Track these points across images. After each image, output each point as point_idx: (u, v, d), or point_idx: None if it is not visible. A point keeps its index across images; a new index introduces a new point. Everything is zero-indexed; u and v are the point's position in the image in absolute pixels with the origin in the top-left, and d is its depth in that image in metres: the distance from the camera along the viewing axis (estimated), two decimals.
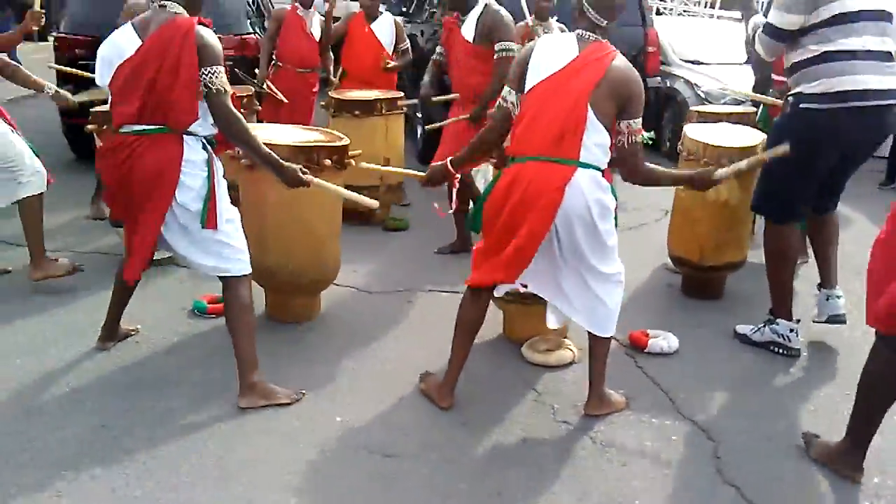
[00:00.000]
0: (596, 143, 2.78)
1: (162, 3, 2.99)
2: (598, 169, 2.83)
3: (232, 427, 2.92)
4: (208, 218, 2.97)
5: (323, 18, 6.19)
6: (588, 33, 2.85)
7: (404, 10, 10.59)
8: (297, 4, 6.21)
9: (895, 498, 2.66)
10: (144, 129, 2.95)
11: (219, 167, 3.10)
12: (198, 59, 2.87)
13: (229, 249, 3.07)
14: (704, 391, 3.34)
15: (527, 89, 2.85)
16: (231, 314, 3.08)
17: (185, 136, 2.97)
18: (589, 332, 3.03)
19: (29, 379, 3.21)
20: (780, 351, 3.66)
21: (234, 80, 5.90)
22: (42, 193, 4.07)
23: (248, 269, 3.12)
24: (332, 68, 6.38)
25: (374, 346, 3.64)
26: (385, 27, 6.05)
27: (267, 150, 3.02)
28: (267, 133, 3.72)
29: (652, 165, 2.94)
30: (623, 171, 2.91)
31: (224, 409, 3.03)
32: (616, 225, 2.97)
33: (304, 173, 3.07)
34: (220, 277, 3.09)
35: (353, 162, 3.69)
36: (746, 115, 4.98)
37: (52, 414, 2.97)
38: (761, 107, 5.09)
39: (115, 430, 2.86)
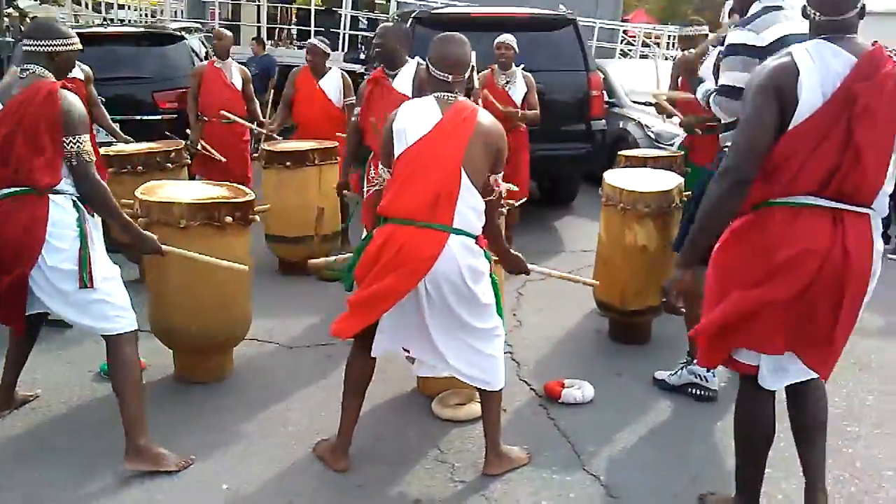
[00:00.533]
0: (469, 206, 2.73)
1: (25, 66, 2.96)
2: (471, 235, 2.77)
3: (110, 499, 2.80)
4: (89, 278, 2.88)
5: (243, 67, 6.30)
6: (445, 94, 2.82)
7: (363, 58, 10.70)
8: (214, 57, 6.27)
9: None
10: (8, 192, 2.89)
11: (94, 224, 3.00)
12: (61, 125, 2.83)
13: (108, 307, 2.96)
14: (613, 443, 3.25)
15: (395, 156, 2.80)
16: (115, 374, 2.99)
17: (52, 195, 2.88)
18: (478, 389, 2.95)
19: None
20: (698, 392, 3.60)
21: (169, 135, 6.05)
22: None
23: (130, 327, 3.00)
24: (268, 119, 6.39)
25: (280, 406, 3.54)
26: (333, 82, 6.06)
27: (127, 219, 3.06)
28: (170, 190, 3.67)
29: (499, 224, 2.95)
30: (485, 228, 2.87)
31: (106, 480, 2.91)
32: (495, 284, 2.91)
33: (163, 243, 3.10)
34: (104, 336, 2.99)
35: (257, 218, 3.64)
36: (674, 158, 4.97)
37: None
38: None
39: None
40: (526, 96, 5.90)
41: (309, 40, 6.67)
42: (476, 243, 2.80)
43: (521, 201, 5.98)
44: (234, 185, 3.92)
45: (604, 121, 7.17)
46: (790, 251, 2.34)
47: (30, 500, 2.79)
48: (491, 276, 2.88)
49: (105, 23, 12.07)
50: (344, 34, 12.30)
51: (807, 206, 2.35)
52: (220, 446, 3.18)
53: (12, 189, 2.89)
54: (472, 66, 3.01)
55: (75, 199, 2.96)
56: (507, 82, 5.84)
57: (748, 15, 3.12)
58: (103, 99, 6.62)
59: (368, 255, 2.78)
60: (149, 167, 4.96)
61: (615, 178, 4.20)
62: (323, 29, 12.85)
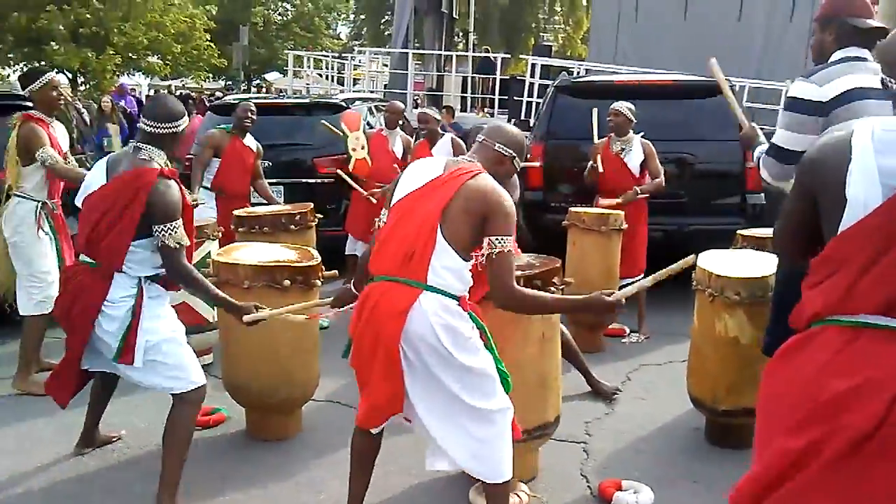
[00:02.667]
0: (445, 265, 2.58)
1: (138, 144, 3.18)
2: (450, 295, 2.62)
3: None
4: (123, 352, 3.06)
5: (407, 137, 6.70)
6: (464, 157, 2.76)
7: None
8: (383, 126, 6.74)
9: None
10: (88, 262, 3.16)
11: (155, 296, 3.16)
12: (150, 214, 3.01)
13: (163, 367, 3.12)
14: None
15: (390, 207, 2.76)
16: (166, 430, 3.13)
17: (116, 273, 3.09)
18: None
19: (4, 479, 3.45)
20: None
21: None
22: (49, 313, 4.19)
23: (189, 387, 3.13)
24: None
25: (321, 473, 3.54)
26: (444, 147, 6.24)
27: (222, 295, 3.22)
28: (243, 252, 3.87)
29: (531, 291, 2.71)
30: (492, 294, 2.66)
31: None
32: (493, 354, 2.70)
33: (258, 309, 3.18)
34: (171, 394, 3.16)
35: (318, 282, 3.72)
36: None
37: None
38: None
39: None
40: (645, 164, 5.61)
41: (419, 109, 6.94)
42: (458, 305, 2.64)
43: (635, 279, 5.62)
44: (307, 248, 4.04)
45: (762, 195, 6.57)
46: (841, 385, 1.76)
47: None
48: (489, 347, 2.70)
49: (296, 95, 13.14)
50: (528, 102, 12.46)
51: (871, 326, 1.79)
52: None
53: (88, 259, 3.17)
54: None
55: (145, 278, 3.14)
56: (623, 149, 5.59)
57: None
58: (269, 163, 7.28)
59: (354, 314, 2.74)
60: (275, 228, 5.27)
61: (708, 260, 3.81)
62: (507, 97, 13.23)
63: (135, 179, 3.05)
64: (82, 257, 3.20)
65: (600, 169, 5.57)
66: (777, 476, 1.84)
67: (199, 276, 3.14)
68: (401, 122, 7.03)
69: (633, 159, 5.60)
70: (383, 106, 8.90)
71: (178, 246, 3.04)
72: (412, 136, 7.56)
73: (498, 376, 2.71)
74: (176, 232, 3.03)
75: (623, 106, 5.54)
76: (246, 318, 3.15)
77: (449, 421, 2.68)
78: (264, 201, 6.25)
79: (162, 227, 3.01)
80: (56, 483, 3.42)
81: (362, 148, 6.58)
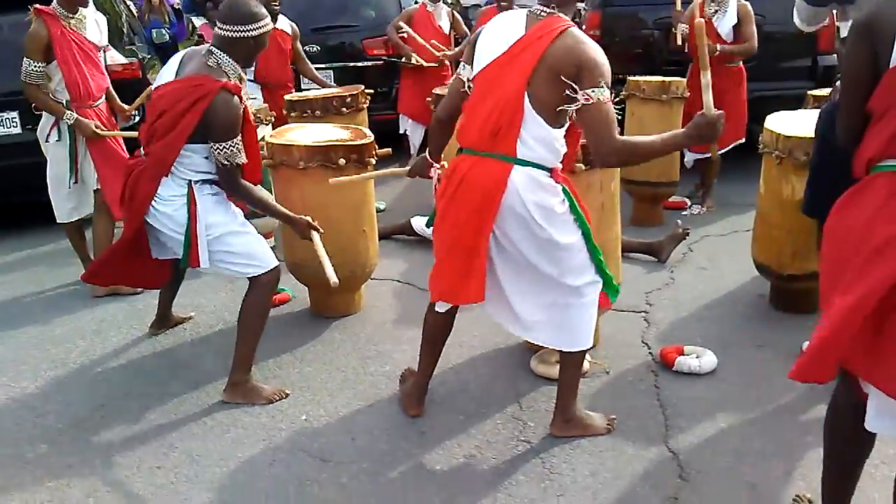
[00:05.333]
0: (535, 136, 2.47)
1: (211, 48, 2.98)
2: (541, 167, 2.52)
3: (203, 417, 3.07)
4: (190, 258, 3.07)
5: (452, 11, 6.39)
6: (542, 8, 2.51)
7: None
8: (426, 1, 6.42)
9: None
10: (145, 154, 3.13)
11: (206, 200, 3.08)
12: (206, 127, 2.89)
13: (231, 257, 3.12)
14: (712, 422, 2.90)
15: (473, 75, 2.62)
16: (241, 312, 3.18)
17: (165, 176, 3.05)
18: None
19: (84, 359, 3.63)
20: None
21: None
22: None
23: (260, 271, 3.12)
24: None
25: (388, 346, 3.62)
26: None
27: (277, 207, 3.21)
28: (296, 134, 3.84)
29: (634, 137, 2.50)
30: (594, 149, 2.46)
31: (207, 402, 3.19)
32: (583, 227, 2.60)
33: (311, 227, 3.22)
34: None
35: (372, 160, 3.70)
36: None
37: (75, 391, 3.34)
38: None
39: (105, 410, 3.16)
40: (738, 28, 5.19)
41: None
42: (550, 177, 2.54)
43: (733, 144, 5.41)
44: (360, 128, 3.99)
45: (836, 56, 6.18)
46: (889, 229, 1.81)
47: (143, 407, 3.16)
48: (580, 220, 2.60)
49: None
50: None
51: None
52: (318, 379, 3.34)
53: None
54: None
55: (190, 181, 3.06)
56: (717, 11, 5.17)
57: None
58: (317, 48, 7.14)
59: (440, 187, 2.69)
60: (326, 111, 5.23)
61: (777, 121, 3.63)
62: None
63: (195, 88, 2.89)
64: (143, 150, 3.20)
65: (681, 37, 5.14)
66: (836, 328, 1.83)
67: (257, 192, 3.09)
68: None
69: (725, 23, 5.18)
70: None
71: (232, 165, 2.95)
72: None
73: (588, 249, 2.64)
74: (231, 150, 2.91)
75: None
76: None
77: (537, 297, 2.66)
78: (315, 85, 6.17)
79: (217, 145, 2.91)
80: (131, 361, 3.59)
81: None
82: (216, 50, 2.97)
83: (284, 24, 5.82)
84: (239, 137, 2.95)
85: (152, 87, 3.23)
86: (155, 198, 3.05)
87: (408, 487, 2.60)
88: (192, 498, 2.59)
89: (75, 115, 4.08)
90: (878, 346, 1.83)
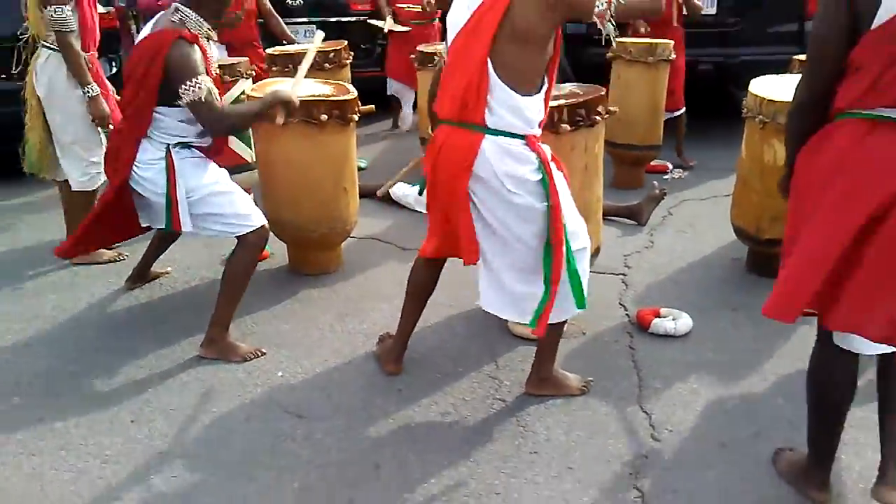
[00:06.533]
0: (504, 105, 2.43)
1: (178, 5, 2.96)
2: (513, 135, 2.47)
3: (178, 373, 3.06)
4: (172, 222, 3.05)
5: None
6: None
7: None
8: None
9: None
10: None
11: (185, 164, 3.06)
12: (170, 77, 2.88)
13: (216, 217, 3.11)
14: (685, 383, 2.93)
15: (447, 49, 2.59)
16: (226, 269, 3.17)
17: (143, 139, 3.03)
18: None
19: (57, 312, 3.59)
20: None
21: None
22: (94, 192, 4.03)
23: (246, 230, 3.10)
24: None
25: (367, 304, 3.61)
26: None
27: (254, 107, 3.11)
28: (271, 88, 3.76)
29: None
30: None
31: (180, 358, 3.17)
32: (548, 201, 2.51)
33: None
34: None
35: (355, 117, 3.65)
36: None
37: (46, 345, 3.31)
38: None
39: (77, 364, 3.14)
40: None
41: None
42: (525, 144, 2.49)
43: (677, 113, 5.45)
44: (342, 83, 3.94)
45: None
46: (853, 175, 1.94)
47: (118, 363, 3.14)
48: (546, 194, 2.51)
49: None
50: None
51: (883, 118, 1.92)
52: (295, 336, 3.33)
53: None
54: None
55: (168, 145, 3.05)
56: None
57: None
58: (300, 2, 7.00)
59: (427, 154, 2.68)
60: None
61: (761, 85, 3.62)
62: None
63: (153, 43, 2.92)
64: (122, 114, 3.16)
65: None
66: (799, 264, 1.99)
67: (235, 110, 3.08)
68: None
69: None
70: None
71: (206, 98, 2.88)
72: None
73: (575, 211, 2.63)
74: (201, 86, 2.87)
75: None
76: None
77: (514, 267, 2.62)
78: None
79: (185, 85, 2.87)
80: (106, 315, 3.56)
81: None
82: (182, 6, 2.97)
83: None
84: (206, 76, 2.92)
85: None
86: (136, 162, 3.04)
87: (382, 444, 2.61)
88: (167, 452, 2.59)
89: (98, 90, 3.78)
90: (842, 291, 1.95)
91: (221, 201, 3.12)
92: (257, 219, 3.14)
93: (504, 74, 2.41)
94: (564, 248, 2.51)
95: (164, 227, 3.16)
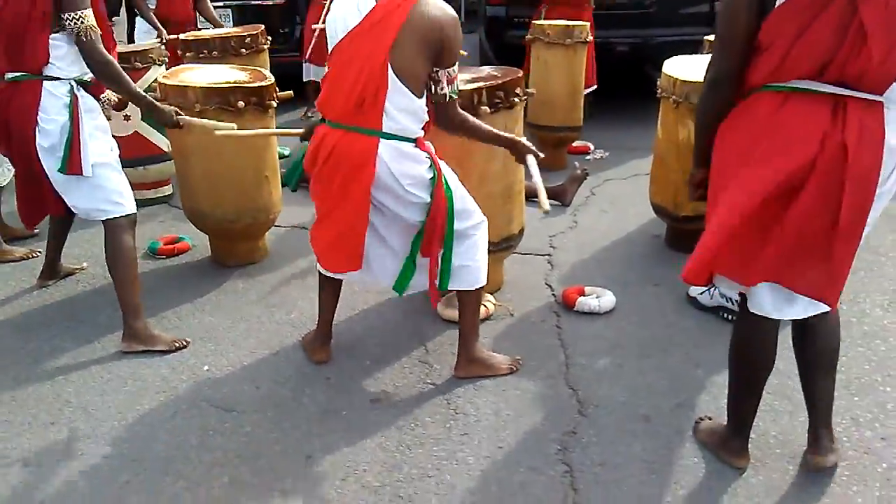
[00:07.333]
0: (401, 108, 2.45)
1: None
2: (406, 139, 2.51)
3: (99, 371, 2.98)
4: (69, 164, 2.94)
5: None
6: None
7: None
8: None
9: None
10: (12, 77, 2.97)
11: (89, 109, 3.02)
12: (59, 4, 2.82)
13: (101, 192, 3.03)
14: (610, 358, 3.00)
15: (329, 49, 2.56)
16: (109, 258, 3.08)
17: (45, 80, 2.94)
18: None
19: None
20: (728, 317, 3.21)
21: None
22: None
23: (124, 212, 3.06)
24: None
25: (294, 294, 3.58)
26: None
27: (138, 92, 3.02)
28: (190, 74, 3.68)
29: (468, 116, 2.65)
30: (439, 120, 2.60)
31: (103, 353, 3.09)
32: (448, 192, 2.60)
33: (178, 114, 3.10)
34: (102, 221, 3.10)
35: (273, 104, 3.59)
36: None
37: None
38: None
39: None
40: None
41: None
42: (415, 147, 2.55)
43: (589, 90, 5.56)
44: (259, 69, 3.86)
45: None
46: (771, 141, 1.99)
47: (34, 363, 3.03)
48: (445, 186, 2.60)
49: None
50: None
51: (798, 90, 1.97)
52: (221, 328, 3.27)
53: (13, 74, 2.97)
54: None
55: (75, 82, 3.01)
56: None
57: None
58: None
59: (308, 156, 2.63)
60: (224, 52, 5.03)
61: (674, 66, 3.71)
62: None
63: None
64: (7, 76, 3.00)
65: None
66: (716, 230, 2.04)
67: (120, 71, 2.95)
68: None
69: None
70: None
71: (94, 35, 2.86)
72: None
73: (465, 194, 2.69)
74: (85, 21, 2.84)
75: None
76: (183, 119, 3.17)
77: (392, 235, 2.70)
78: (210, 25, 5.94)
79: (69, 14, 2.83)
80: (20, 314, 3.43)
81: None
82: None
83: None
84: (90, 11, 2.86)
85: None
86: (39, 112, 2.93)
87: (312, 434, 2.59)
88: (89, 453, 2.51)
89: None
90: (762, 248, 2.02)
91: (112, 176, 3.08)
92: (132, 204, 3.12)
93: (403, 76, 2.42)
94: (446, 229, 2.62)
95: (59, 169, 2.97)
